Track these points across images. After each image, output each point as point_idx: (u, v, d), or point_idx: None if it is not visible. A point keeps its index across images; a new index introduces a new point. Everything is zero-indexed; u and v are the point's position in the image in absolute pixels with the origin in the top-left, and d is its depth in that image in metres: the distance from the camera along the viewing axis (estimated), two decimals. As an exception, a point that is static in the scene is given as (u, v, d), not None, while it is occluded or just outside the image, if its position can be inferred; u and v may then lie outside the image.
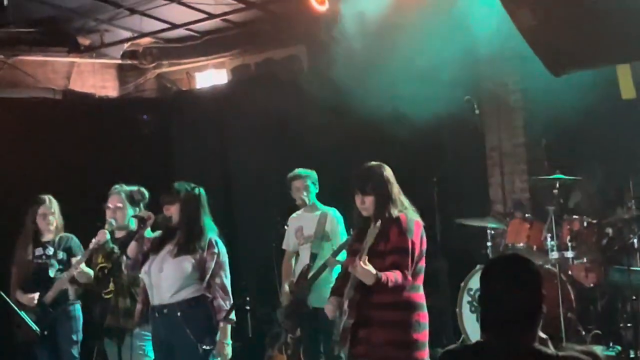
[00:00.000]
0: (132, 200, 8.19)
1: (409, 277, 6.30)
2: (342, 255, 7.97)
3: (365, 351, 6.40)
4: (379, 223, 6.25)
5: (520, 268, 3.86)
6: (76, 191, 10.66)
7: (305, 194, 8.86)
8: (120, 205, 8.12)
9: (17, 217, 9.25)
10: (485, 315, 3.85)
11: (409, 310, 6.42)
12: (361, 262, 6.09)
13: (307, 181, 8.89)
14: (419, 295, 6.51)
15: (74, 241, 8.94)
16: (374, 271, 6.12)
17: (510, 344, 3.76)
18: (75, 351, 8.88)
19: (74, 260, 8.74)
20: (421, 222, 6.50)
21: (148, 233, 7.56)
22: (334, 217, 8.77)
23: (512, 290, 3.79)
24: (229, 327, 7.12)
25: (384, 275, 6.15)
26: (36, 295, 8.70)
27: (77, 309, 8.91)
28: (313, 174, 8.93)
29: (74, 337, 8.86)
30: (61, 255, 8.87)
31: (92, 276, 8.39)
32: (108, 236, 8.02)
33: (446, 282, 10.24)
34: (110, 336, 7.69)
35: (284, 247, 9.13)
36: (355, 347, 6.45)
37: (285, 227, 9.01)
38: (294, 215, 9.06)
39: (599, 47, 7.70)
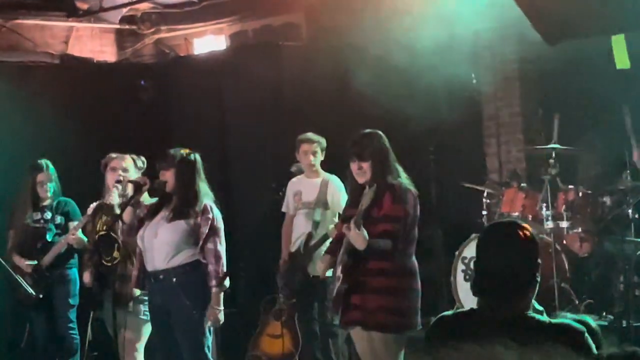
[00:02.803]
0: (135, 165, 8.18)
1: (399, 246, 6.35)
2: None
3: (360, 317, 6.45)
4: (374, 187, 6.29)
5: (517, 235, 3.86)
6: (73, 155, 10.66)
7: (312, 159, 8.86)
8: (126, 168, 8.10)
9: (14, 182, 9.28)
10: (480, 281, 3.87)
11: (403, 277, 6.48)
12: (354, 226, 6.13)
13: (316, 147, 8.89)
14: (413, 262, 6.57)
15: (72, 205, 8.96)
16: (366, 236, 6.16)
17: (504, 311, 3.78)
18: (72, 315, 8.92)
19: (71, 224, 8.77)
20: (415, 191, 6.54)
21: (147, 199, 7.57)
22: (336, 186, 8.76)
23: (507, 256, 3.80)
24: (221, 293, 7.15)
25: (375, 242, 6.20)
26: (31, 262, 8.75)
27: (74, 272, 8.94)
28: (323, 141, 8.92)
29: (71, 301, 8.91)
30: (59, 219, 8.89)
31: (86, 242, 8.44)
32: (116, 200, 7.98)
33: (441, 251, 10.27)
34: (118, 302, 7.68)
35: (283, 210, 9.14)
36: (349, 313, 6.49)
37: (280, 193, 9.03)
38: (293, 179, 9.07)
39: (593, 17, 7.70)
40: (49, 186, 8.92)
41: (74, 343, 8.90)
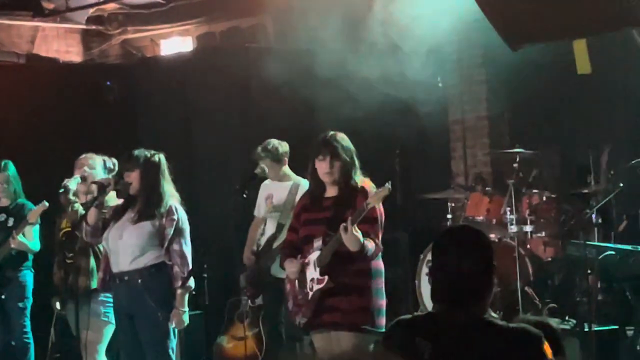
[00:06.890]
0: (104, 166, 8.13)
1: (380, 246, 6.37)
2: None
3: (333, 318, 6.43)
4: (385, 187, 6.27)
5: (470, 239, 3.87)
6: (37, 156, 10.62)
7: (267, 171, 8.86)
8: (93, 165, 8.05)
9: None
10: (436, 286, 3.89)
11: (374, 278, 6.49)
12: (351, 226, 6.12)
13: (265, 162, 8.84)
14: (380, 263, 6.58)
15: (28, 209, 8.83)
16: (361, 238, 6.16)
17: (460, 315, 3.79)
18: (24, 318, 8.82)
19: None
20: (380, 193, 6.56)
21: (113, 200, 7.53)
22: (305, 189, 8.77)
23: (461, 261, 3.81)
24: (186, 294, 7.14)
25: (367, 244, 6.21)
26: None
27: (25, 275, 8.83)
28: (275, 152, 8.83)
29: (20, 305, 8.81)
30: (11, 222, 8.76)
31: (30, 246, 8.46)
32: (73, 185, 7.85)
33: (406, 254, 10.30)
34: (71, 296, 7.65)
35: (255, 213, 9.11)
36: (322, 314, 6.47)
37: (244, 195, 8.98)
38: (265, 182, 9.02)
39: (555, 22, 7.71)
40: (5, 187, 8.82)
41: (26, 347, 8.82)
